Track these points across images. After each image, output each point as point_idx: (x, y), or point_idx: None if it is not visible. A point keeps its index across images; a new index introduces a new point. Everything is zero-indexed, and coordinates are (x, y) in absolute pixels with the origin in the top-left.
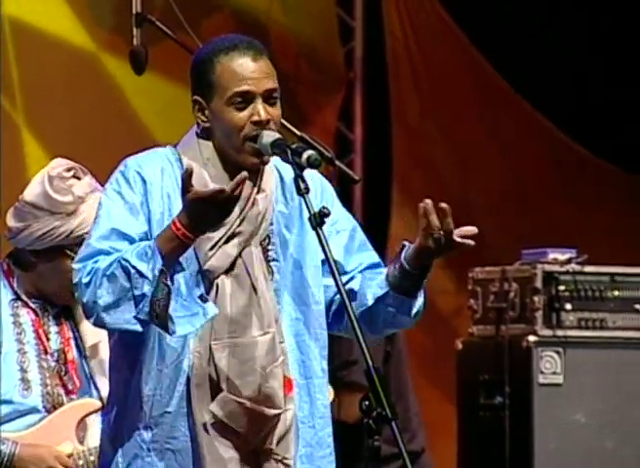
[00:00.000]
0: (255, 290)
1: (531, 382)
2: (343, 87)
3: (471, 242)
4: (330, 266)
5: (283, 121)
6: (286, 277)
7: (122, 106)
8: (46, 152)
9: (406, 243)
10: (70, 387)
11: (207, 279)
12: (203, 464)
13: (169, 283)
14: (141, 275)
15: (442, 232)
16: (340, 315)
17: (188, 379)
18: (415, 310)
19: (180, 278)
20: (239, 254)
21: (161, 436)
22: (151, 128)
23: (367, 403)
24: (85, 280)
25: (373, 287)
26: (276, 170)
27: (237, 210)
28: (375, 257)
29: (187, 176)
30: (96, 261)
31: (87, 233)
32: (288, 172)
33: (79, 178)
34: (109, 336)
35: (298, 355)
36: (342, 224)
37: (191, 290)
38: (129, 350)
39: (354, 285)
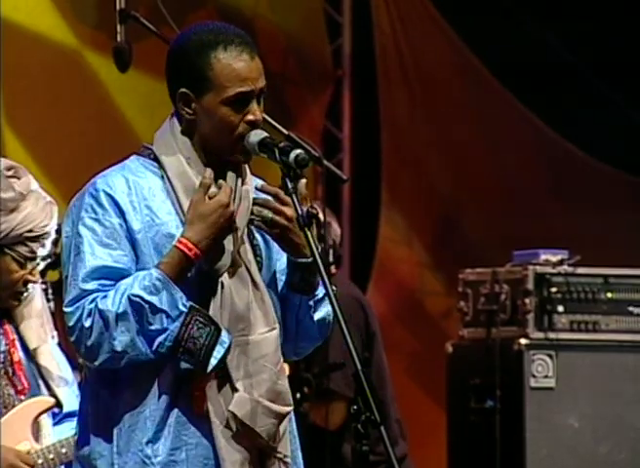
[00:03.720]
0: (255, 285)
1: (522, 386)
2: (331, 84)
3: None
4: (317, 266)
5: (270, 119)
6: (266, 275)
7: (106, 104)
8: (28, 151)
9: None
10: (19, 388)
11: (208, 278)
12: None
13: (207, 322)
14: (156, 310)
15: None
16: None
17: (192, 385)
18: (317, 314)
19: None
20: (237, 250)
21: (164, 449)
22: (135, 125)
23: (355, 407)
24: (86, 323)
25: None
26: None
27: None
28: None
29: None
30: (92, 301)
31: (29, 231)
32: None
33: (19, 178)
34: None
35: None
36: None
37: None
38: (111, 373)
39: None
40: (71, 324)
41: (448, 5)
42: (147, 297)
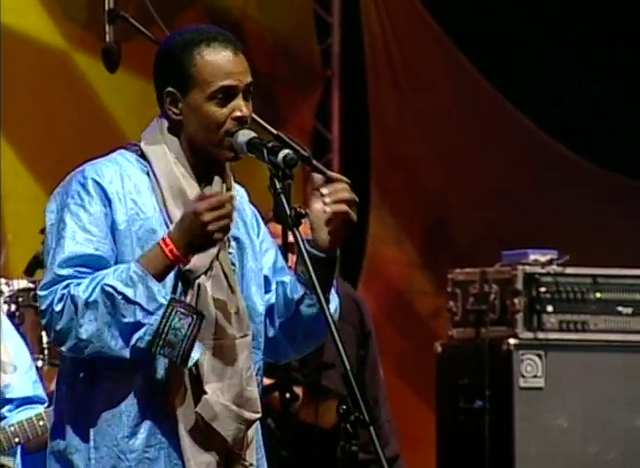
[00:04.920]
0: (232, 290)
1: (511, 386)
2: (320, 85)
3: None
4: (306, 267)
5: (259, 119)
6: (241, 284)
7: (94, 104)
8: (16, 151)
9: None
10: None
11: (186, 280)
12: None
13: (190, 312)
14: (130, 302)
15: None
16: (291, 335)
17: (166, 384)
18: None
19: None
20: (217, 254)
21: (139, 445)
22: (124, 125)
23: (344, 407)
24: (57, 308)
25: (295, 297)
26: None
27: None
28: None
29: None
30: (66, 287)
31: None
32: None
33: None
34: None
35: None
36: (268, 244)
37: None
38: (87, 366)
39: (272, 298)
40: (43, 307)
41: (437, 5)
42: (121, 288)
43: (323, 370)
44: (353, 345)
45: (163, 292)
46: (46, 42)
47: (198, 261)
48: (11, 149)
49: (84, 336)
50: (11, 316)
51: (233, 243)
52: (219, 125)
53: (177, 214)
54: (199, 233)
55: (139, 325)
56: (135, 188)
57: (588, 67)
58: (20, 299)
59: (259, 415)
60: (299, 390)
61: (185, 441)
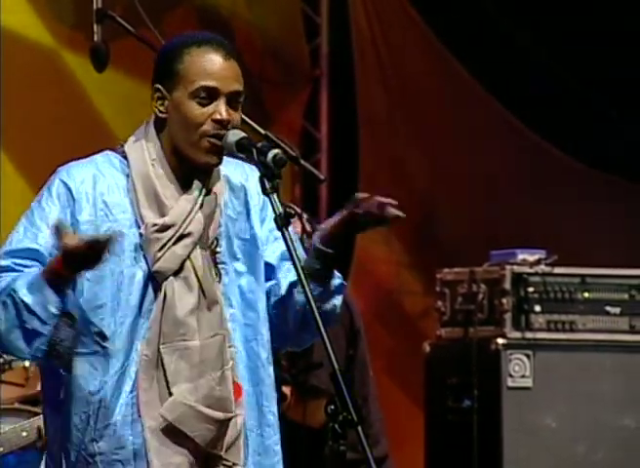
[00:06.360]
0: (203, 292)
1: (500, 386)
2: (309, 84)
3: (398, 212)
4: (296, 268)
5: (247, 119)
6: (234, 281)
7: (83, 104)
8: (4, 150)
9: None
10: None
11: (155, 281)
12: None
13: (74, 325)
14: (29, 310)
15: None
16: (282, 318)
17: (134, 385)
18: (328, 305)
19: (75, 311)
20: (188, 256)
21: (108, 447)
22: (113, 125)
23: (332, 407)
24: None
25: (289, 277)
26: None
27: (187, 210)
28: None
29: (57, 231)
30: None
31: None
32: (236, 175)
33: None
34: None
35: (246, 361)
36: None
37: (87, 324)
38: (57, 368)
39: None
40: None
41: (426, 4)
42: (24, 294)
43: (312, 369)
44: (342, 344)
45: (58, 302)
46: (35, 40)
47: (166, 264)
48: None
49: None
50: None
51: (222, 241)
52: (197, 125)
53: (149, 215)
54: (100, 257)
55: (37, 333)
56: (108, 189)
57: (577, 68)
58: None
59: (230, 415)
60: (287, 390)
61: (150, 442)
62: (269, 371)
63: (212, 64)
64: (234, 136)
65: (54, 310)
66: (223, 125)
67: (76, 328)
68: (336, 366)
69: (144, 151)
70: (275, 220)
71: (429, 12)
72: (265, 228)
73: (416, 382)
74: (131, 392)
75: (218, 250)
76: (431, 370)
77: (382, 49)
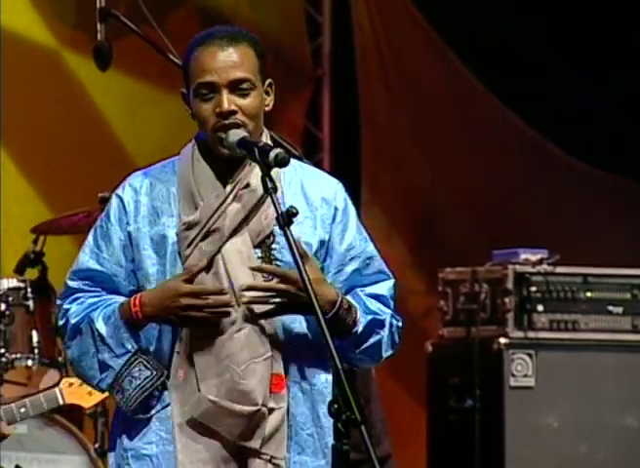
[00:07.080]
0: (233, 288)
1: (502, 385)
2: (311, 84)
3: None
4: (297, 265)
5: None
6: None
7: (85, 104)
8: (6, 150)
9: None
10: None
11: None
12: (178, 466)
13: (149, 364)
14: (104, 341)
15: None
16: None
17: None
18: (363, 346)
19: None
20: (218, 251)
21: (138, 442)
22: (114, 125)
23: (336, 406)
24: (61, 322)
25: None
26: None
27: (214, 206)
28: (381, 289)
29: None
30: (70, 302)
31: None
32: (317, 186)
33: None
34: None
35: (296, 358)
36: (357, 251)
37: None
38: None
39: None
40: (58, 318)
41: (428, 4)
42: (100, 326)
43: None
44: None
45: (132, 340)
46: (37, 41)
47: (194, 261)
48: (1, 148)
49: (70, 357)
50: (0, 315)
51: (280, 238)
52: (205, 121)
53: (186, 218)
54: (172, 313)
55: (106, 365)
56: (159, 194)
57: (578, 68)
58: (10, 299)
59: (254, 408)
60: None
61: (178, 438)
62: (327, 377)
63: (209, 59)
64: (235, 135)
65: (129, 346)
66: (224, 116)
67: (155, 370)
68: (339, 365)
69: (189, 155)
70: (277, 220)
71: (432, 11)
72: (343, 247)
73: (418, 382)
74: (161, 389)
75: (274, 246)
76: (434, 370)
77: (385, 48)
